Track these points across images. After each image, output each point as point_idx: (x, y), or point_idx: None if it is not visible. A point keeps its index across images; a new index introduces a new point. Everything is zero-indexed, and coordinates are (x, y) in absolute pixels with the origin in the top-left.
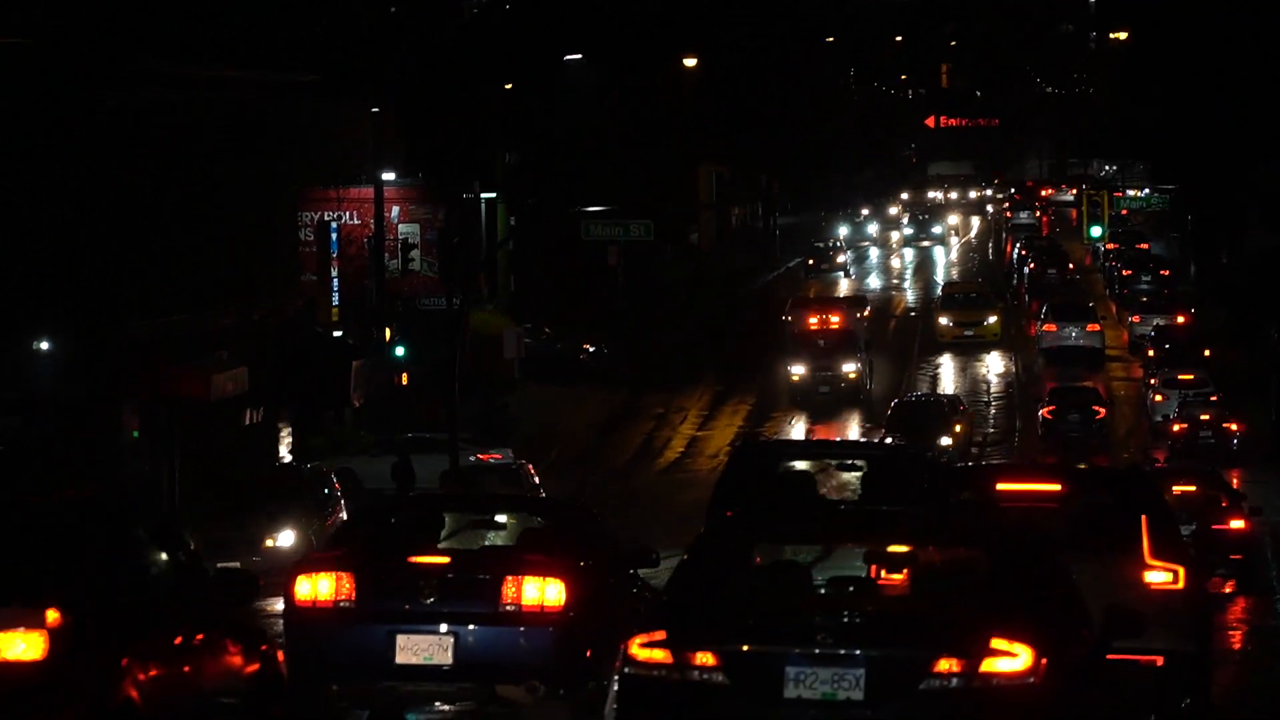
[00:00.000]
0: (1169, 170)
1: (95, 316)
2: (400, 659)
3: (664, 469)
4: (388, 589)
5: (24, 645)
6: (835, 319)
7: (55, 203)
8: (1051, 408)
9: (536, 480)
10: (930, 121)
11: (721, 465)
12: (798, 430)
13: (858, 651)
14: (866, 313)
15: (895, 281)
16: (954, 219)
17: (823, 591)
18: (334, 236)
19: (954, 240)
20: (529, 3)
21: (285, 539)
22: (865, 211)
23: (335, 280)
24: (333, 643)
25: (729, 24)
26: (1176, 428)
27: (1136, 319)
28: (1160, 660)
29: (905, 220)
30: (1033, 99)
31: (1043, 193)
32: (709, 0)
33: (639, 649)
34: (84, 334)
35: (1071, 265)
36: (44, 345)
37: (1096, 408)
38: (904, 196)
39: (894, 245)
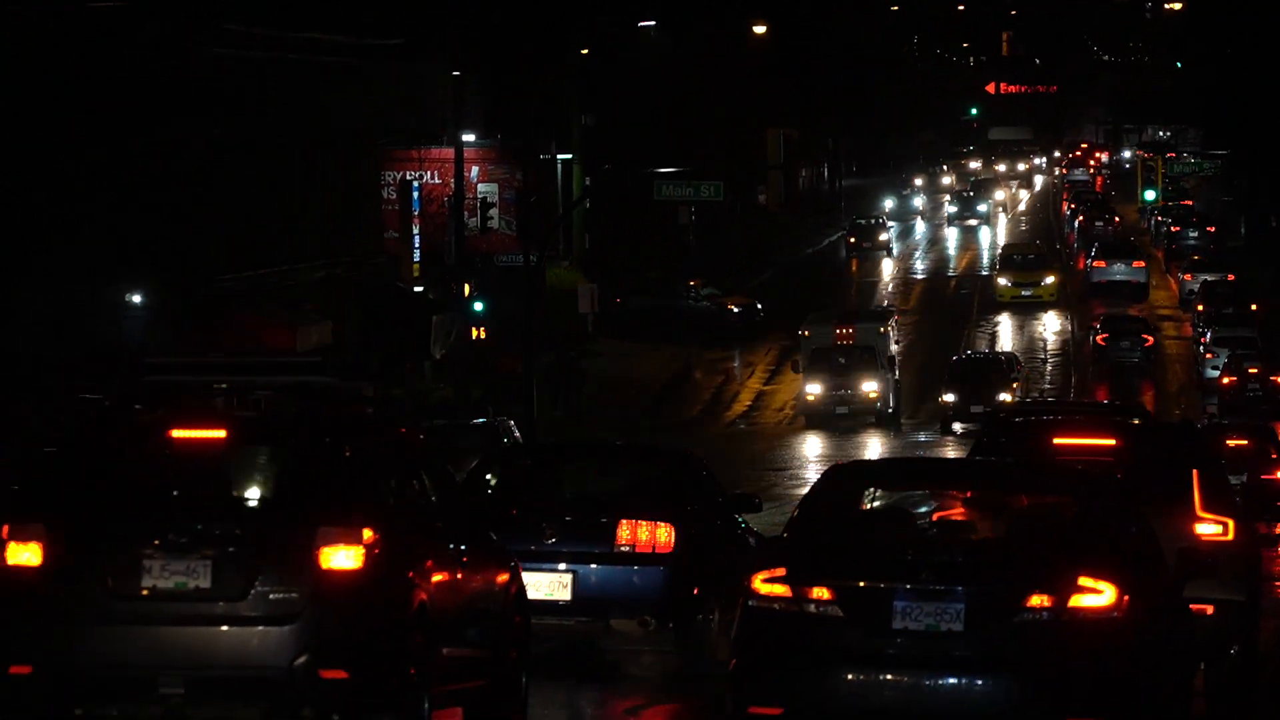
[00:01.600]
0: (1220, 136)
1: (184, 271)
2: None
3: (731, 421)
4: (514, 531)
5: (348, 556)
6: (852, 332)
7: (146, 159)
8: (1105, 335)
9: (517, 435)
10: (991, 88)
11: (786, 419)
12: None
13: (958, 588)
14: (892, 326)
15: (935, 264)
16: (1000, 194)
17: (927, 534)
18: (416, 195)
19: (1002, 217)
20: None
21: None
22: (918, 182)
23: (416, 237)
24: None
25: None
26: (1225, 380)
27: (1188, 276)
28: (1210, 609)
29: (949, 198)
30: (1090, 66)
31: (1098, 154)
32: None
33: (761, 584)
34: (173, 287)
35: (1118, 219)
36: (135, 298)
37: (1145, 335)
38: (944, 174)
39: (942, 219)
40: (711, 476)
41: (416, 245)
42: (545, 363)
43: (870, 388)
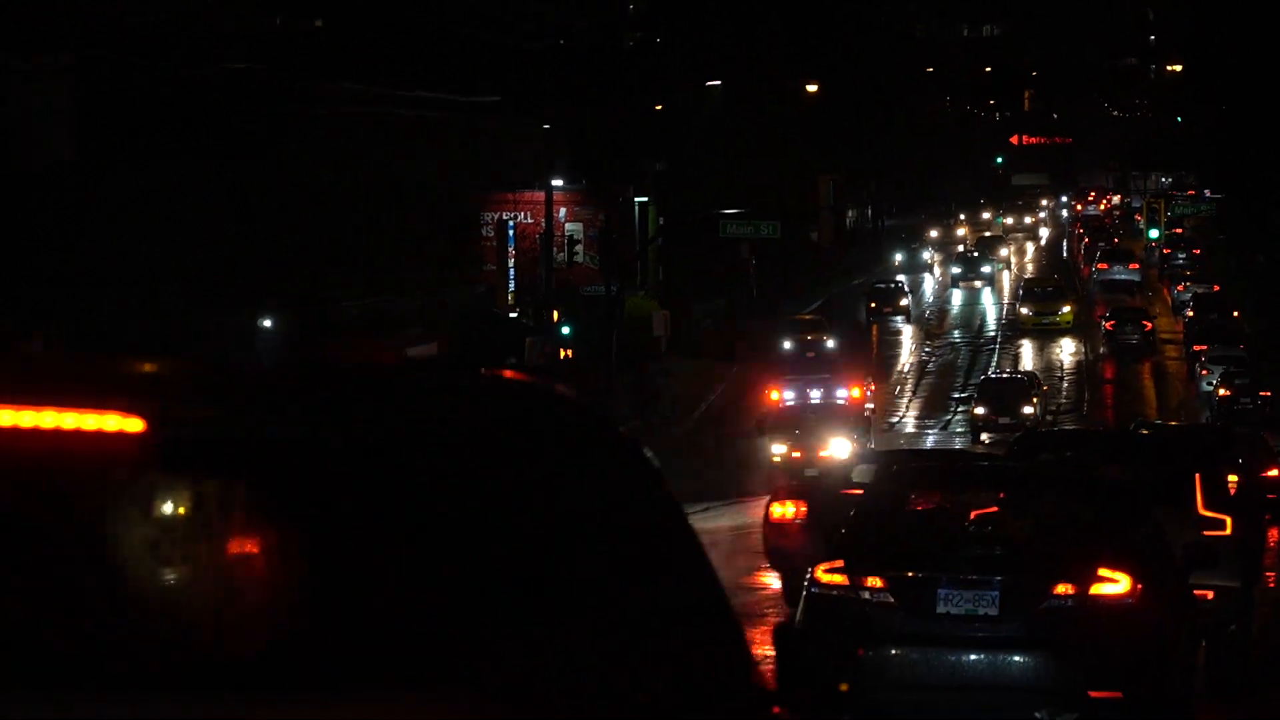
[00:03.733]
0: (1215, 182)
1: (308, 297)
2: None
3: None
4: None
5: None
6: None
7: (276, 199)
8: (1112, 322)
9: None
10: (1014, 139)
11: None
12: (905, 403)
13: (994, 578)
14: (870, 388)
15: (933, 325)
16: (1005, 250)
17: (966, 530)
18: (511, 233)
19: (1006, 275)
20: (677, 36)
21: None
22: (934, 233)
23: (511, 270)
24: None
25: (845, 54)
26: (1221, 394)
27: (1181, 288)
28: (1210, 594)
29: (954, 258)
30: (1101, 120)
31: (1108, 197)
32: (828, 35)
33: (823, 574)
34: (299, 312)
35: (1117, 239)
36: (265, 322)
37: (1145, 322)
38: (958, 225)
39: (949, 277)
40: None
41: (511, 277)
42: (626, 381)
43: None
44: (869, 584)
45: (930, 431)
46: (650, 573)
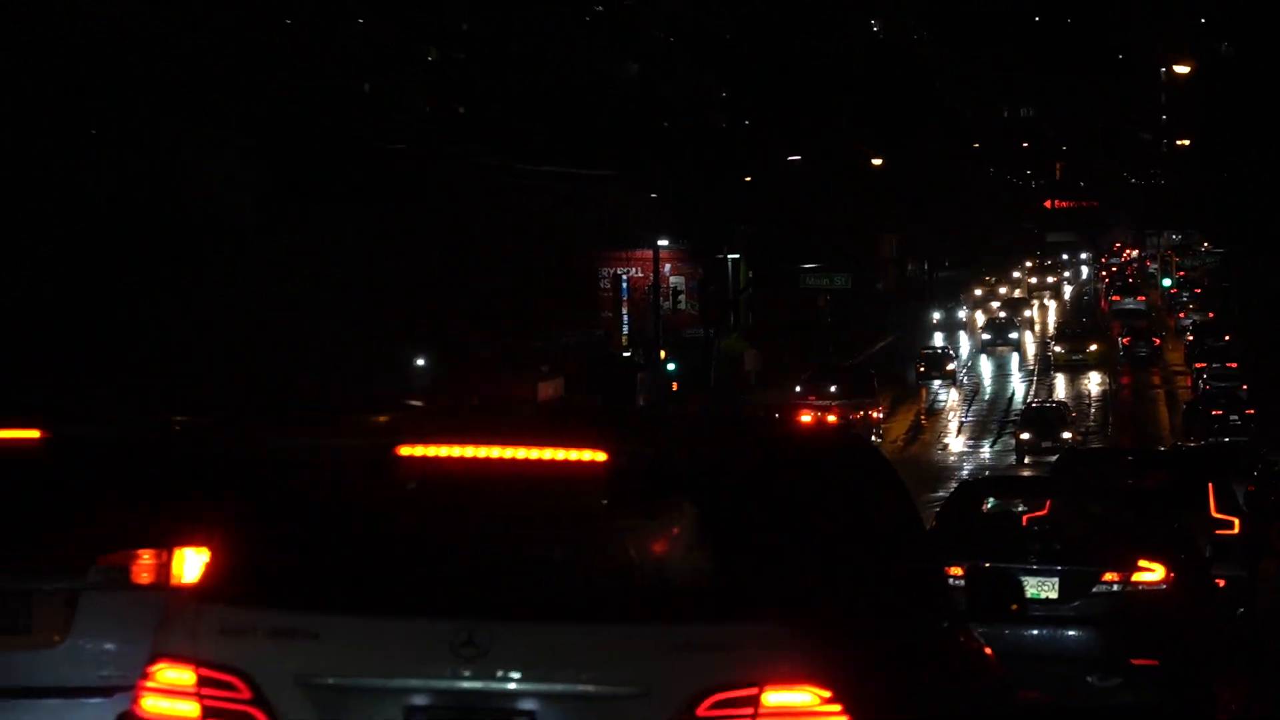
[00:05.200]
0: (1218, 238)
1: (452, 339)
2: None
3: None
4: None
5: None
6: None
7: (428, 254)
8: (1128, 339)
9: None
10: (1047, 204)
11: (899, 446)
12: (953, 429)
13: (1055, 567)
14: (878, 412)
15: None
16: (1029, 311)
17: (1029, 529)
18: (624, 285)
19: (1029, 338)
20: (764, 119)
21: None
22: (978, 291)
23: (625, 316)
24: None
25: (905, 132)
26: (1214, 413)
27: (1182, 315)
28: (1222, 582)
29: (984, 323)
30: (1121, 186)
31: (1127, 251)
32: (890, 116)
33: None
34: (444, 352)
35: (1131, 279)
36: (419, 361)
37: (1154, 338)
38: (997, 285)
39: (981, 332)
40: None
41: (625, 322)
42: (722, 408)
43: None
44: (951, 573)
45: (979, 452)
46: (907, 532)
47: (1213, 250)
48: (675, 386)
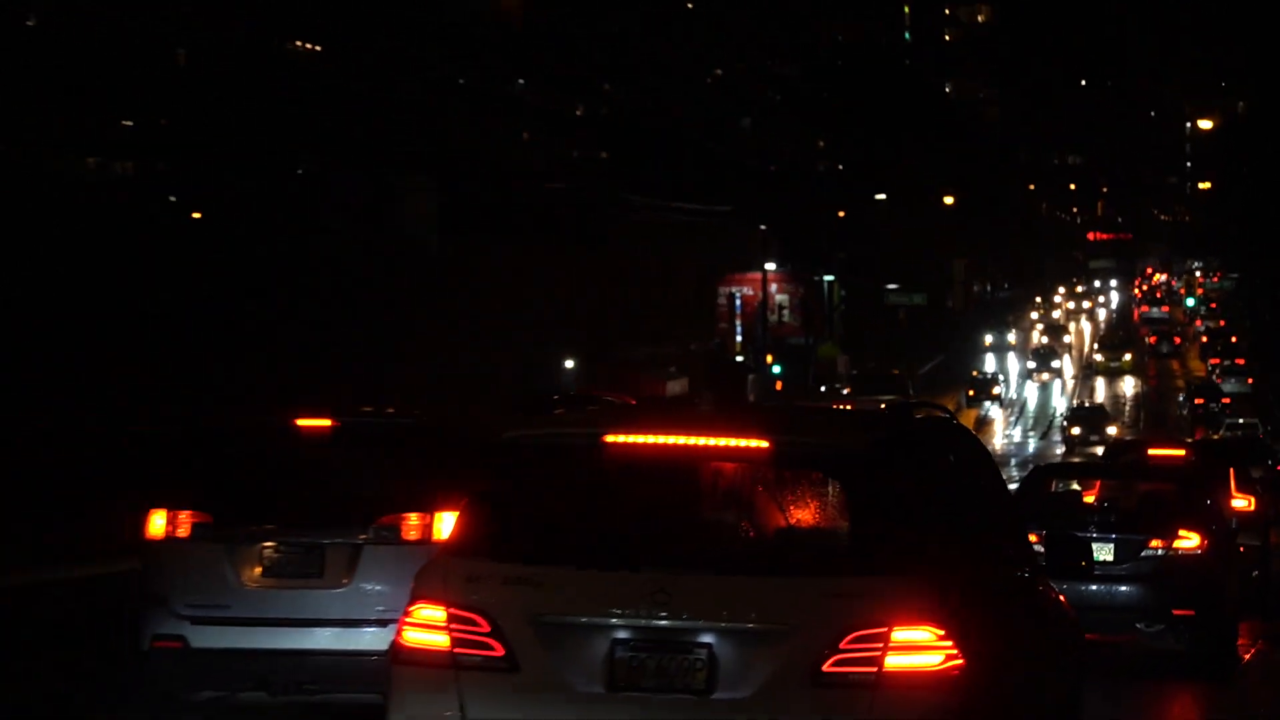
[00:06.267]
0: (1234, 265)
1: (598, 345)
2: None
3: None
4: None
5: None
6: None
7: (572, 278)
8: (1154, 339)
9: None
10: (1090, 236)
11: None
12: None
13: (1110, 535)
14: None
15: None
16: (1068, 338)
17: (1088, 505)
18: (738, 302)
19: (1068, 366)
20: (855, 164)
21: None
22: (1034, 315)
23: (738, 327)
24: None
25: (971, 174)
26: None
27: (1200, 323)
28: (1243, 549)
29: (1030, 352)
30: (1153, 222)
31: (1157, 276)
32: (960, 160)
33: None
34: (591, 356)
35: (1160, 293)
36: (569, 364)
37: (1175, 338)
38: (1033, 316)
39: (1028, 352)
40: None
41: (738, 332)
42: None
43: None
44: (1031, 539)
45: (1030, 441)
46: (998, 501)
47: (1228, 275)
48: (779, 386)
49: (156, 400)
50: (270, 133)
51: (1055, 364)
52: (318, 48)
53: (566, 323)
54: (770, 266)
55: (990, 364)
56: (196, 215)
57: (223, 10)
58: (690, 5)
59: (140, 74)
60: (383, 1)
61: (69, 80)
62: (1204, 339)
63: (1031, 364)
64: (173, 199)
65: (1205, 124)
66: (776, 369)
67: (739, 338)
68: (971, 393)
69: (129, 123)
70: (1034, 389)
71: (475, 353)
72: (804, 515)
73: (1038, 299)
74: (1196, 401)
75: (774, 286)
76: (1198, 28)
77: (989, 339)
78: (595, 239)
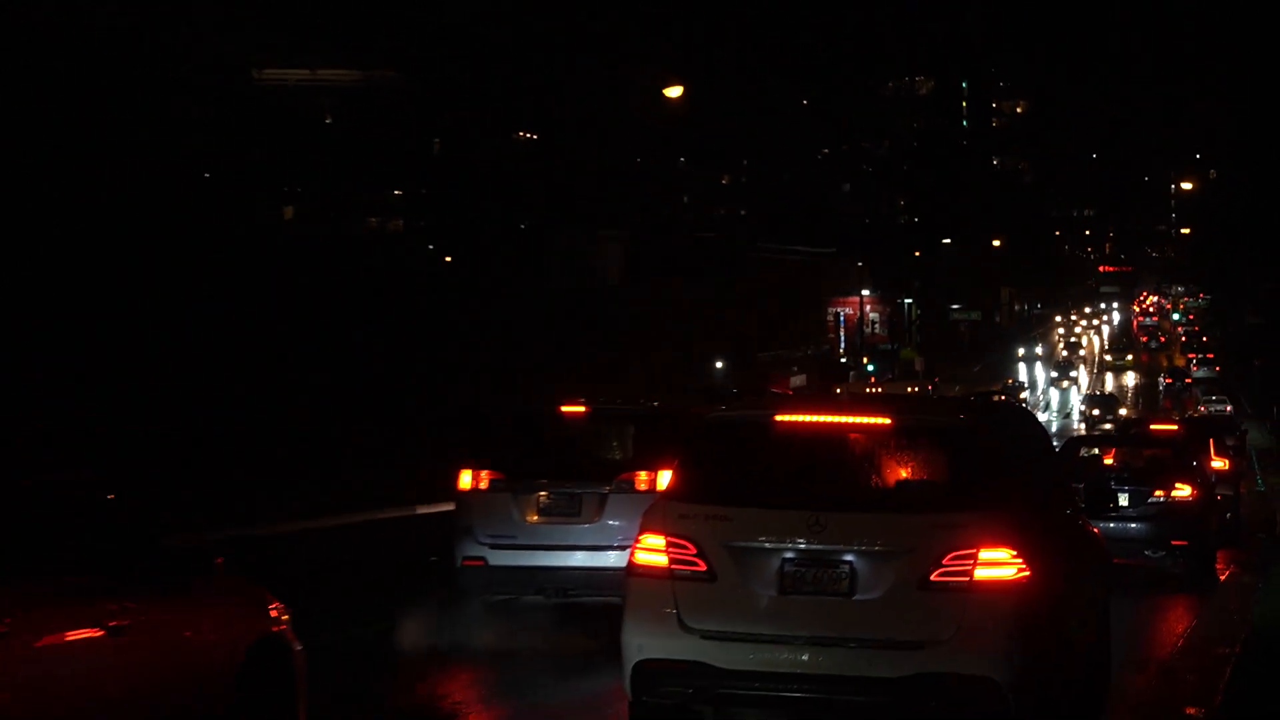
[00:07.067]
0: (1210, 290)
1: (742, 350)
2: None
3: None
4: None
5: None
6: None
7: (722, 303)
8: (1145, 337)
9: None
10: (1101, 269)
11: None
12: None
13: (1124, 487)
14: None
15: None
16: (1084, 350)
17: (1107, 464)
18: (841, 318)
19: (1083, 373)
20: (927, 217)
21: None
22: (1060, 330)
23: (842, 337)
24: None
25: (1011, 225)
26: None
27: (1180, 328)
28: (1220, 497)
29: (1053, 362)
30: (1147, 259)
31: (1152, 298)
32: (1005, 216)
33: None
34: (736, 358)
35: (1152, 310)
36: (718, 364)
37: (1161, 337)
38: (1071, 321)
39: (1055, 359)
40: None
41: (841, 340)
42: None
43: None
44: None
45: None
46: (1051, 460)
47: (1204, 298)
48: (873, 380)
49: (445, 389)
50: (503, 198)
51: (1073, 374)
52: (535, 136)
53: (715, 335)
54: (865, 292)
55: (1022, 373)
56: (448, 259)
57: (466, 111)
58: (805, 103)
59: (407, 159)
60: (580, 104)
61: (359, 162)
62: (1184, 339)
63: (1054, 374)
64: (431, 247)
65: (1187, 185)
66: (870, 368)
67: (842, 345)
68: (1001, 399)
69: (398, 191)
70: (1055, 392)
71: (651, 357)
72: (914, 470)
73: (1057, 318)
74: (1166, 381)
75: (868, 307)
76: (1181, 111)
77: (1020, 350)
78: (736, 273)
